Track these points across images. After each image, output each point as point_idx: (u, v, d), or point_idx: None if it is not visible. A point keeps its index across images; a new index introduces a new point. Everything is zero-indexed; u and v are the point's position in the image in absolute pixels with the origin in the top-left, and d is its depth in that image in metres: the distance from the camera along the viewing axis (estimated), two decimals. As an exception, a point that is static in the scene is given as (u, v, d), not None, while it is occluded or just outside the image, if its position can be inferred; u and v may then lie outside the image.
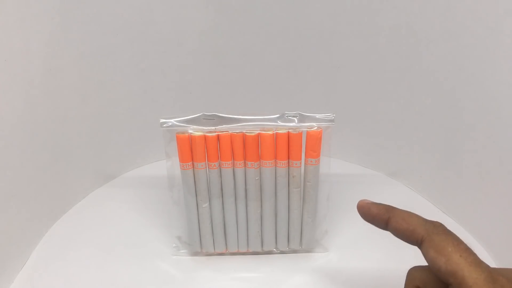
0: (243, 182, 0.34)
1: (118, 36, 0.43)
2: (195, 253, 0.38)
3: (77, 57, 0.41)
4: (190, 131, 0.33)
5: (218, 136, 0.33)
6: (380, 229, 0.24)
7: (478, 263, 0.19)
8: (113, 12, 0.42)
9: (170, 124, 0.33)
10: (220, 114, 0.33)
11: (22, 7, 0.35)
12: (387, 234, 0.24)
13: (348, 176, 0.50)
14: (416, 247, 0.22)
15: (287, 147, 0.33)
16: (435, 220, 0.22)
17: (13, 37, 0.34)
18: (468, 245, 0.20)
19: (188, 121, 0.33)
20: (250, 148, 0.33)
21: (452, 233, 0.21)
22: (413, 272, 0.22)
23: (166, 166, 0.35)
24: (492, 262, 0.38)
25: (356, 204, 0.26)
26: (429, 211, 0.44)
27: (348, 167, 0.52)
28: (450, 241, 0.20)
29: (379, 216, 0.24)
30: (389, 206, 0.24)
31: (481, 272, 0.19)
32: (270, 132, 0.33)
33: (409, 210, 0.24)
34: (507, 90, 0.34)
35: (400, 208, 0.24)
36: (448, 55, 0.39)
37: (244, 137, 0.33)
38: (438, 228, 0.21)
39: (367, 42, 0.44)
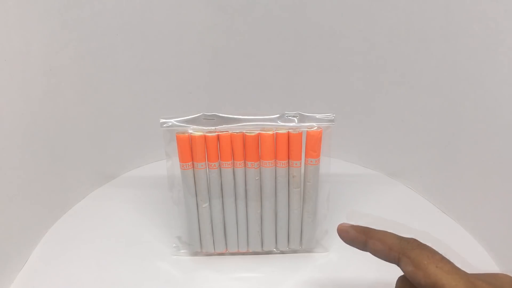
0: (243, 182, 0.34)
1: (118, 36, 0.43)
2: (195, 253, 0.38)
3: (77, 57, 0.41)
4: (190, 131, 0.33)
5: (218, 136, 0.33)
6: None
7: (455, 270, 0.20)
8: (113, 12, 0.42)
9: (170, 124, 0.33)
10: (220, 114, 0.33)
11: (22, 7, 0.35)
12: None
13: (348, 176, 0.50)
14: None
15: (287, 147, 0.33)
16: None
17: (13, 37, 0.34)
18: (444, 254, 0.21)
19: (188, 121, 0.33)
20: (250, 148, 0.33)
21: (426, 246, 0.22)
22: (402, 281, 0.23)
23: (166, 166, 0.35)
24: (492, 262, 0.38)
25: (336, 228, 0.27)
26: (429, 211, 0.44)
27: (348, 167, 0.52)
28: (424, 254, 0.21)
29: (357, 239, 0.25)
30: (366, 228, 0.25)
31: (459, 278, 0.19)
32: (270, 132, 0.33)
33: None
34: (507, 90, 0.34)
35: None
36: (448, 55, 0.39)
37: (244, 137, 0.33)
38: (412, 244, 0.22)
39: (367, 42, 0.44)
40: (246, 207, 0.36)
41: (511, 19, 0.33)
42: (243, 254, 0.38)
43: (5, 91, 0.34)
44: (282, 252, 0.39)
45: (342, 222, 0.27)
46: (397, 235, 0.23)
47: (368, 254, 0.38)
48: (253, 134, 0.32)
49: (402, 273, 0.23)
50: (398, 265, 0.22)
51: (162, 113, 0.33)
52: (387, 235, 0.23)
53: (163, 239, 0.40)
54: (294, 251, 0.39)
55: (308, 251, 0.39)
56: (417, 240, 0.22)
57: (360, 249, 0.25)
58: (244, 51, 0.48)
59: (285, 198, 0.35)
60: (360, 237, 0.25)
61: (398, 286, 0.23)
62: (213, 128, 0.33)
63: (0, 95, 0.33)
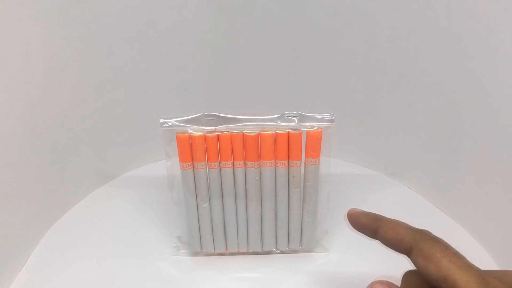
0: (243, 182, 0.34)
1: (118, 36, 0.43)
2: (195, 253, 0.38)
3: (77, 57, 0.41)
4: (190, 131, 0.33)
5: (218, 136, 0.33)
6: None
7: (468, 266, 0.19)
8: (113, 12, 0.42)
9: (170, 124, 0.33)
10: (220, 114, 0.33)
11: (22, 7, 0.35)
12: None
13: (348, 176, 0.50)
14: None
15: (287, 147, 0.33)
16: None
17: (13, 37, 0.34)
18: (457, 249, 0.20)
19: (188, 121, 0.33)
20: (250, 148, 0.33)
21: (439, 239, 0.21)
22: (408, 276, 0.23)
23: (166, 166, 0.35)
24: (492, 262, 0.38)
25: (346, 214, 0.26)
26: (429, 211, 0.44)
27: (348, 167, 0.52)
28: (437, 247, 0.20)
29: (368, 225, 0.24)
30: (377, 215, 0.25)
31: (472, 274, 0.19)
32: (270, 132, 0.33)
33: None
34: (507, 90, 0.34)
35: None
36: (448, 55, 0.39)
37: (244, 137, 0.33)
38: (425, 235, 0.22)
39: (367, 42, 0.44)
40: (246, 207, 0.36)
41: (511, 19, 0.33)
42: (243, 254, 0.38)
43: (5, 91, 0.34)
44: (282, 252, 0.39)
45: (352, 208, 0.26)
46: (410, 226, 0.23)
47: (367, 253, 0.38)
48: (253, 134, 0.32)
49: (406, 270, 0.23)
50: (408, 256, 0.22)
51: (162, 113, 0.33)
52: (399, 225, 0.23)
53: (163, 239, 0.40)
54: (294, 251, 0.39)
55: (308, 251, 0.39)
56: (430, 233, 0.22)
57: (370, 237, 0.25)
58: (244, 51, 0.48)
59: (285, 198, 0.35)
60: (371, 224, 0.24)
61: (404, 280, 0.23)
62: (213, 128, 0.33)
63: (0, 95, 0.33)
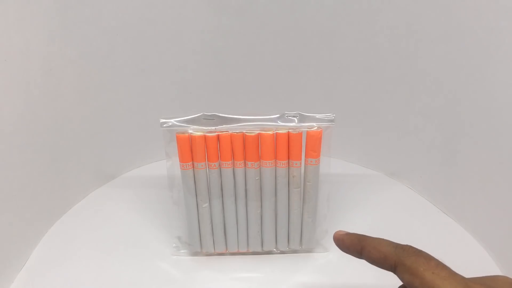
0: (243, 182, 0.34)
1: (118, 36, 0.43)
2: (195, 253, 0.38)
3: (77, 57, 0.41)
4: (190, 131, 0.33)
5: (218, 136, 0.33)
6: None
7: (452, 276, 0.20)
8: (113, 12, 0.42)
9: (170, 124, 0.33)
10: (220, 114, 0.33)
11: (22, 7, 0.35)
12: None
13: (348, 176, 0.50)
14: None
15: (287, 147, 0.33)
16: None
17: (13, 37, 0.34)
18: (444, 255, 0.21)
19: (188, 121, 0.33)
20: (250, 148, 0.33)
21: (422, 252, 0.21)
22: None
23: (166, 166, 0.35)
24: (492, 262, 0.38)
25: (332, 236, 0.26)
26: (429, 211, 0.44)
27: (348, 167, 0.52)
28: (420, 261, 0.21)
29: (352, 247, 0.25)
30: (361, 235, 0.25)
31: (457, 284, 0.19)
32: (270, 132, 0.33)
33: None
34: (507, 90, 0.34)
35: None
36: (448, 55, 0.39)
37: (244, 137, 0.33)
38: (408, 251, 0.22)
39: (367, 42, 0.44)
40: (246, 207, 0.36)
41: (511, 19, 0.33)
42: (243, 254, 0.38)
43: (5, 91, 0.34)
44: (282, 252, 0.39)
45: (338, 230, 0.27)
46: (393, 243, 0.23)
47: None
48: (253, 134, 0.32)
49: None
50: (394, 273, 0.22)
51: (162, 113, 0.33)
52: (382, 243, 0.23)
53: (163, 239, 0.40)
54: (294, 251, 0.39)
55: (308, 251, 0.39)
56: (412, 247, 0.22)
57: (356, 257, 0.25)
58: (244, 51, 0.48)
59: (285, 198, 0.35)
60: (355, 245, 0.24)
61: None
62: (213, 128, 0.33)
63: (0, 95, 0.33)
